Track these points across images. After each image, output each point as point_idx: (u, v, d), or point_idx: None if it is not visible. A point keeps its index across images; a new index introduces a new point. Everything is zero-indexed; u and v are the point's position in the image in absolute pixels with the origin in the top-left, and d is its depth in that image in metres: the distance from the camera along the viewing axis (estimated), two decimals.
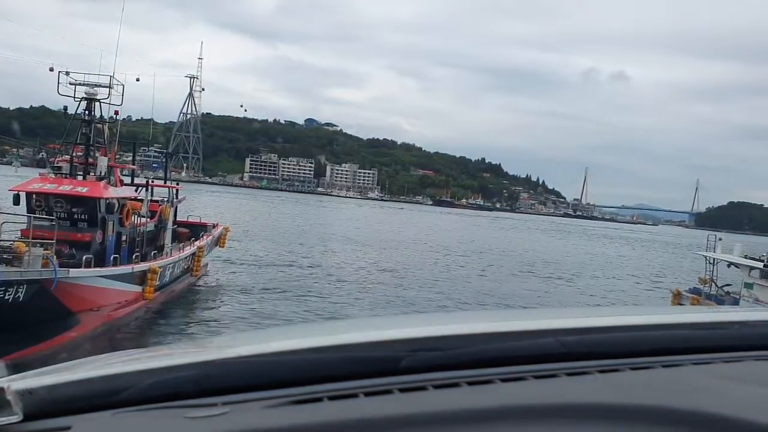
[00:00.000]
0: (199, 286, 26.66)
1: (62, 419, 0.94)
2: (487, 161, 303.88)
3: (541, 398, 0.95)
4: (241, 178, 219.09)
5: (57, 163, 20.83)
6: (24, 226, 16.98)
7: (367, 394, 0.97)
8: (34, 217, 16.13)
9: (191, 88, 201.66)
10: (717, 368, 1.12)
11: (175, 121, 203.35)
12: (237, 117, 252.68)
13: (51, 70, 20.37)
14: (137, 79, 29.02)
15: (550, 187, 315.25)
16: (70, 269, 15.97)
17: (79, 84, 20.40)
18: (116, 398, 0.98)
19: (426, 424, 0.88)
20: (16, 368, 1.20)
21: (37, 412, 0.94)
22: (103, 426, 0.93)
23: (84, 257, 17.34)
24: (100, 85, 20.56)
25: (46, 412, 0.95)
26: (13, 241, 15.20)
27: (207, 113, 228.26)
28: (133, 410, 0.96)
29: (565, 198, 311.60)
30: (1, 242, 14.51)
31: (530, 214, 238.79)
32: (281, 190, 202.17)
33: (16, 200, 18.73)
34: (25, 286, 14.29)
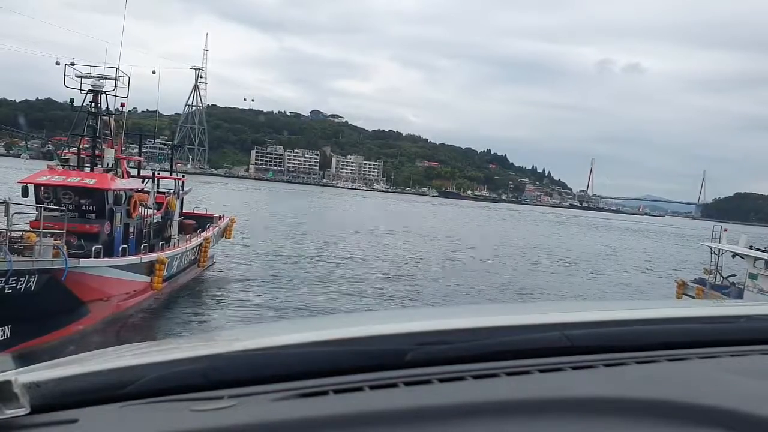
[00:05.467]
0: (205, 277, 26.86)
1: (69, 412, 0.94)
2: (492, 152, 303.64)
3: (547, 392, 0.95)
4: (247, 170, 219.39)
5: (64, 156, 20.99)
6: (33, 218, 17.22)
7: (372, 388, 0.97)
8: (45, 208, 16.31)
9: (196, 80, 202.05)
10: (723, 362, 1.12)
11: (181, 113, 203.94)
12: (242, 109, 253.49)
13: (57, 63, 20.47)
14: (153, 72, 29.28)
15: (556, 178, 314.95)
16: (81, 259, 16.14)
17: (86, 76, 20.49)
18: (123, 391, 0.99)
19: (431, 417, 0.87)
20: (23, 359, 1.25)
21: (44, 404, 0.95)
22: (110, 419, 0.93)
23: (93, 248, 17.55)
24: (106, 77, 20.66)
25: (53, 405, 0.96)
26: (24, 231, 15.40)
27: (212, 105, 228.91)
28: (140, 403, 0.96)
29: (571, 189, 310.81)
30: (13, 233, 14.68)
31: (536, 205, 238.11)
32: (287, 182, 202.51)
33: (25, 192, 18.88)
34: (36, 276, 14.45)
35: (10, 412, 0.90)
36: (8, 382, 0.92)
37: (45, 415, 0.93)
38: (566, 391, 0.95)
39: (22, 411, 0.91)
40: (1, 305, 13.72)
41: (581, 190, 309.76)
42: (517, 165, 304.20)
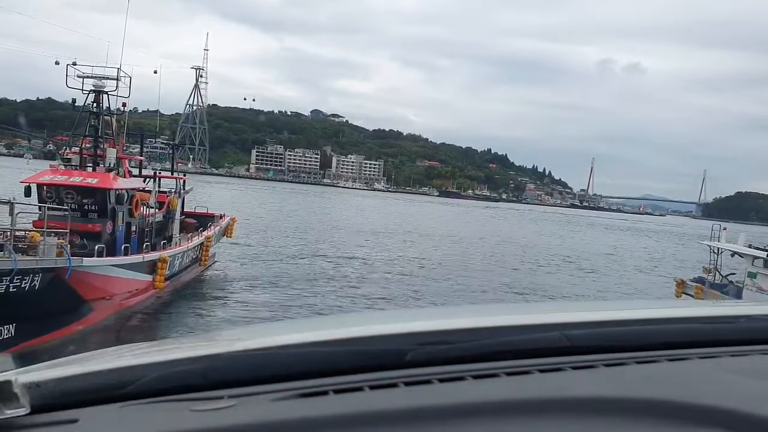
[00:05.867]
0: (207, 276, 26.98)
1: (69, 412, 0.94)
2: (493, 152, 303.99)
3: (547, 392, 0.95)
4: (247, 170, 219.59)
5: (67, 155, 21.11)
6: (35, 217, 17.37)
7: (372, 388, 0.97)
8: (49, 208, 16.44)
9: (197, 80, 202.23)
10: (723, 362, 1.12)
11: (181, 112, 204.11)
12: (243, 108, 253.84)
13: (57, 63, 20.62)
14: (155, 71, 29.49)
15: (557, 177, 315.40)
16: (84, 258, 16.26)
17: (88, 77, 20.60)
18: (123, 391, 0.99)
19: (431, 417, 0.87)
20: (23, 358, 1.28)
21: (44, 404, 0.95)
22: (110, 419, 0.93)
23: (96, 247, 17.67)
24: (108, 78, 20.76)
25: (54, 405, 0.96)
26: (28, 230, 15.52)
27: (213, 105, 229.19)
28: (141, 403, 0.97)
29: (571, 189, 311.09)
30: (17, 232, 14.80)
31: (537, 204, 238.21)
32: (287, 182, 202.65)
33: (28, 192, 18.99)
34: (40, 274, 14.58)
35: (10, 412, 0.90)
36: (8, 382, 0.92)
37: (45, 415, 0.94)
38: (566, 391, 0.95)
39: (22, 411, 0.91)
40: (5, 304, 13.84)
41: (582, 190, 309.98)
42: (517, 164, 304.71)
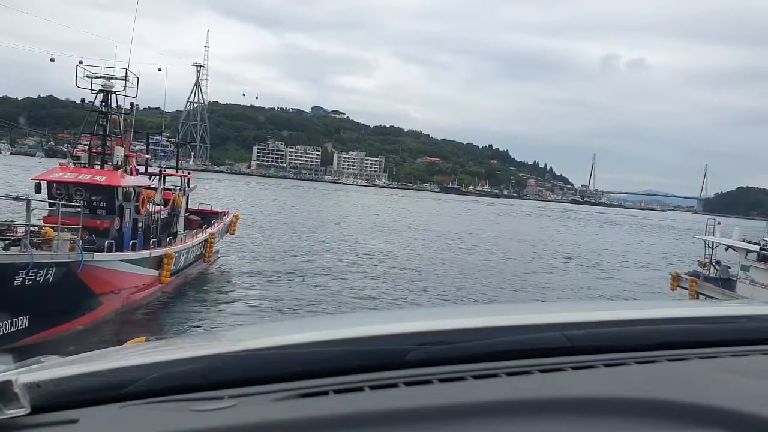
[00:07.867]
0: (211, 271, 27.42)
1: (70, 412, 0.95)
2: (494, 148, 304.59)
3: (547, 392, 0.95)
4: (249, 167, 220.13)
5: (76, 153, 21.64)
6: (45, 213, 17.95)
7: (372, 388, 0.97)
8: (62, 204, 16.99)
9: (198, 77, 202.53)
10: (723, 362, 1.11)
11: (182, 110, 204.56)
12: (244, 105, 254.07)
13: (52, 60, 21.12)
14: (159, 69, 29.99)
15: (558, 173, 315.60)
16: (95, 253, 16.78)
17: (96, 77, 21.07)
18: (124, 391, 0.99)
19: (431, 417, 0.87)
20: (23, 354, 1.32)
21: (44, 404, 0.95)
22: (111, 419, 0.93)
23: (105, 243, 18.20)
24: (116, 78, 21.23)
25: (54, 405, 0.96)
26: (42, 226, 16.10)
27: (214, 102, 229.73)
28: (141, 403, 0.96)
29: (572, 184, 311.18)
30: (32, 227, 15.36)
31: (537, 200, 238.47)
32: (289, 178, 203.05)
33: (38, 189, 19.50)
34: (54, 268, 15.11)
35: (10, 412, 0.91)
36: (9, 382, 0.92)
37: (45, 415, 0.94)
38: (566, 391, 0.95)
39: (22, 411, 0.92)
40: (22, 296, 14.39)
41: (583, 185, 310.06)
42: (519, 160, 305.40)
